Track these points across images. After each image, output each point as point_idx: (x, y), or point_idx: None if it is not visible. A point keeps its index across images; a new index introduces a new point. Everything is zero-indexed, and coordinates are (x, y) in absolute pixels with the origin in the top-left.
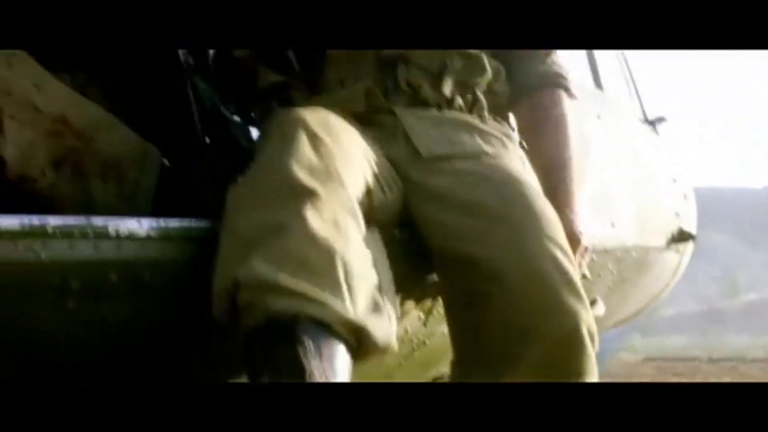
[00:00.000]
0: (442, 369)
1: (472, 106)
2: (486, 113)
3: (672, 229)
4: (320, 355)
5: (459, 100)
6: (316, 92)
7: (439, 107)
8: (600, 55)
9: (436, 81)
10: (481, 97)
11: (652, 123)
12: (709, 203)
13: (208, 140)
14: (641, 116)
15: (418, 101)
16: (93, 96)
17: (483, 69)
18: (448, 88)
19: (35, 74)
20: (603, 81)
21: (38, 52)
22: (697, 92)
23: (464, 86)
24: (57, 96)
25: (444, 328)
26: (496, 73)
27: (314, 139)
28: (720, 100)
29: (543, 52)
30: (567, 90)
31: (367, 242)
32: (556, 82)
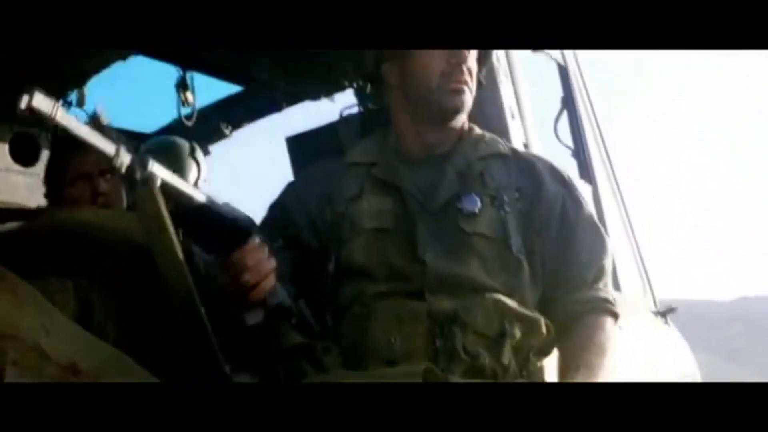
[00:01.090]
0: None
1: (523, 368)
2: (536, 375)
3: None
4: None
5: (514, 366)
6: (355, 355)
7: (496, 376)
8: (617, 251)
9: (495, 347)
10: (533, 358)
11: (663, 314)
12: (680, 319)
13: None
14: (653, 308)
15: (474, 369)
16: (96, 302)
17: (540, 333)
18: (506, 356)
19: (45, 315)
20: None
21: (41, 260)
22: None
23: (520, 350)
24: (67, 340)
25: None
26: (548, 332)
27: None
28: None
29: (592, 278)
30: (613, 315)
31: None
32: (603, 307)
